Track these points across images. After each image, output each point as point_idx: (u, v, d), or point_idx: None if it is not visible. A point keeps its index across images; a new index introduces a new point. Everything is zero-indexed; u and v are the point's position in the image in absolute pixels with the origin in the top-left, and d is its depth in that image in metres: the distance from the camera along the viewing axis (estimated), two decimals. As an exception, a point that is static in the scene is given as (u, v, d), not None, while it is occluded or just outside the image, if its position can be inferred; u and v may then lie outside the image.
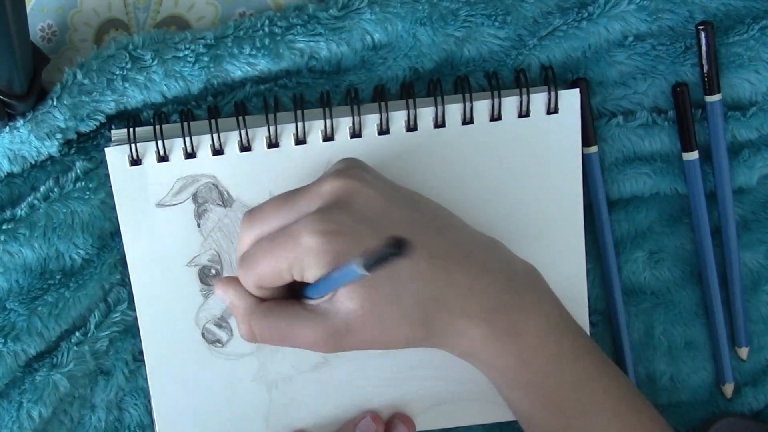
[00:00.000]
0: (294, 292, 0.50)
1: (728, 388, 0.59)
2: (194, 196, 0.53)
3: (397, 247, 0.36)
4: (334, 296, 0.47)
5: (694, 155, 0.56)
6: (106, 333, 0.55)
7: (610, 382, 0.51)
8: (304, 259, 0.46)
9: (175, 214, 0.53)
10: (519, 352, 0.49)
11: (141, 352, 0.55)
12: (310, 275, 0.46)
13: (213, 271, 0.54)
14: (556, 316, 0.51)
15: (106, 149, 0.52)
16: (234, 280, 0.50)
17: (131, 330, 0.56)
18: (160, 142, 0.52)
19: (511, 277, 0.50)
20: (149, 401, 0.56)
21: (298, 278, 0.47)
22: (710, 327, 0.58)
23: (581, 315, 0.56)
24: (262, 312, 0.49)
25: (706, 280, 0.58)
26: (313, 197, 0.48)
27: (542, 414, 0.50)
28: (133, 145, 0.52)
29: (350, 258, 0.41)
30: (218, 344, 0.55)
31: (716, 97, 0.55)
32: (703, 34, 0.55)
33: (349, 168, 0.49)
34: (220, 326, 0.54)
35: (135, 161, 0.52)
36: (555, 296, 0.51)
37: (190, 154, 0.53)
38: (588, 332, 0.57)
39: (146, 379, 0.55)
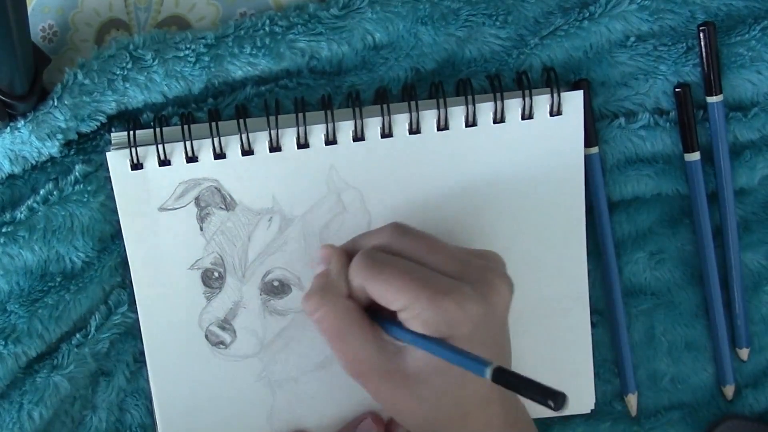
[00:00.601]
0: (370, 305, 0.50)
1: (729, 390, 0.59)
2: (197, 200, 0.53)
3: (559, 404, 0.38)
4: (407, 349, 0.47)
5: (695, 156, 0.56)
6: (107, 335, 0.55)
7: None
8: (428, 314, 0.45)
9: (177, 217, 0.53)
10: None
11: (142, 354, 0.55)
12: (415, 325, 0.46)
13: (216, 274, 0.54)
14: None
15: (108, 153, 0.52)
16: (343, 256, 0.50)
17: (132, 332, 0.55)
18: (160, 146, 0.52)
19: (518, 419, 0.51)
20: (150, 402, 0.56)
21: (401, 317, 0.47)
22: (711, 328, 0.59)
23: (582, 315, 0.56)
24: (343, 306, 0.48)
25: (707, 280, 0.58)
26: (473, 272, 0.47)
27: None
28: (133, 149, 0.52)
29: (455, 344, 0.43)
30: (221, 346, 0.55)
31: (718, 98, 0.55)
32: (704, 35, 0.55)
33: (508, 278, 0.48)
34: (223, 328, 0.54)
35: (136, 165, 0.52)
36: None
37: (192, 158, 0.53)
38: (588, 333, 0.57)
39: (147, 380, 0.55)
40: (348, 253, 0.50)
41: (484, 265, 0.48)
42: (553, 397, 0.38)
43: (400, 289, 0.46)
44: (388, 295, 0.46)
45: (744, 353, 0.59)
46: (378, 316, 0.49)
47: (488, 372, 0.41)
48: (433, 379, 0.47)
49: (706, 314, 0.59)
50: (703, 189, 0.56)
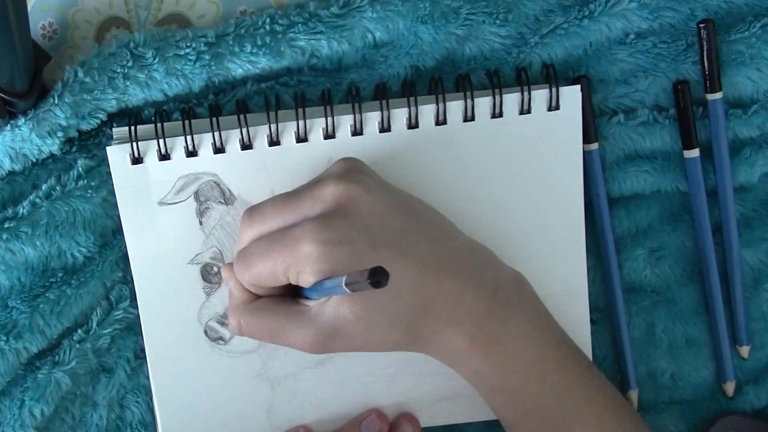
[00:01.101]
0: (289, 291, 0.51)
1: (729, 386, 0.59)
2: (196, 194, 0.53)
3: (376, 278, 0.38)
4: (327, 300, 0.48)
5: (695, 153, 0.56)
6: (108, 331, 0.55)
7: (595, 392, 0.51)
8: (302, 265, 0.46)
9: (177, 212, 0.53)
10: (501, 359, 0.50)
11: (143, 350, 0.55)
12: (305, 281, 0.47)
13: (215, 269, 0.54)
14: (542, 325, 0.51)
15: (108, 148, 0.52)
16: (232, 271, 0.51)
17: (133, 328, 0.56)
18: (161, 141, 0.52)
19: (498, 286, 0.50)
20: (151, 399, 0.56)
21: (293, 282, 0.48)
22: (711, 325, 0.58)
23: (582, 312, 0.56)
24: (253, 308, 0.50)
25: (707, 278, 0.58)
26: (315, 201, 0.48)
27: (525, 421, 0.51)
28: (134, 144, 0.52)
29: (345, 270, 0.43)
30: (221, 341, 0.55)
31: (717, 95, 0.55)
32: (704, 32, 0.55)
33: (351, 172, 0.49)
34: (222, 324, 0.55)
35: (136, 159, 0.52)
36: (541, 305, 0.52)
37: (192, 153, 0.53)
38: (588, 330, 0.57)
39: (148, 377, 0.56)
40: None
41: (318, 185, 0.49)
42: (373, 273, 0.38)
43: (270, 266, 0.47)
44: (269, 276, 0.48)
45: (744, 350, 0.59)
46: (294, 293, 0.50)
47: (344, 287, 0.41)
48: (369, 306, 0.47)
49: (706, 311, 0.59)
50: (702, 186, 0.56)
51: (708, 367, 0.59)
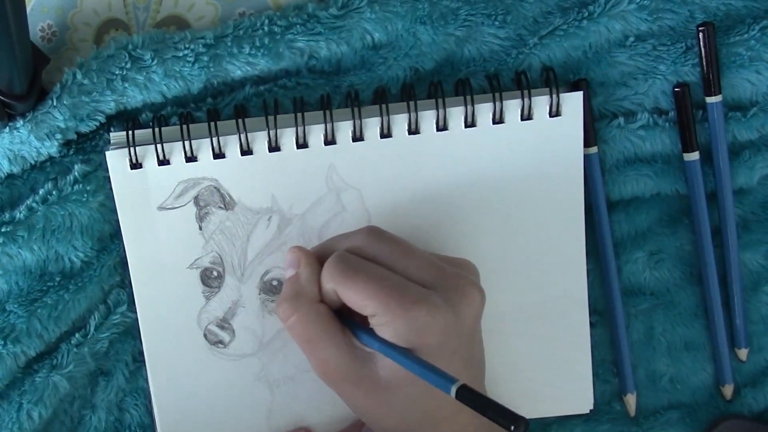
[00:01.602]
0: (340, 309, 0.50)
1: (728, 390, 0.59)
2: (196, 199, 0.53)
3: (515, 423, 0.38)
4: (378, 355, 0.47)
5: (694, 156, 0.56)
6: (106, 335, 0.55)
7: None
8: (399, 322, 0.45)
9: (176, 217, 0.53)
10: None
11: (141, 354, 0.55)
12: (387, 333, 0.46)
13: (215, 273, 0.54)
14: None
15: (107, 153, 0.52)
16: (312, 260, 0.50)
17: (131, 331, 0.55)
18: (159, 146, 0.52)
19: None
20: (149, 402, 0.56)
21: (372, 323, 0.47)
22: (710, 328, 0.58)
23: (581, 316, 0.56)
24: (315, 311, 0.48)
25: (706, 281, 0.58)
26: (445, 280, 0.47)
27: None
28: (132, 149, 0.52)
29: (425, 356, 0.44)
30: (220, 345, 0.55)
31: (717, 98, 0.55)
32: (703, 35, 0.55)
33: (480, 287, 0.48)
34: (222, 327, 0.54)
35: (135, 165, 0.52)
36: None
37: (191, 158, 0.53)
38: (588, 334, 0.57)
39: (146, 380, 0.55)
40: (318, 256, 0.50)
41: (456, 273, 0.48)
42: (514, 421, 0.38)
43: (371, 296, 0.46)
44: (359, 300, 0.46)
45: (743, 353, 0.59)
46: (350, 320, 0.49)
47: (453, 389, 0.41)
48: (402, 387, 0.47)
49: (705, 314, 0.59)
50: (702, 189, 0.56)
51: (707, 370, 0.59)
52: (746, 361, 0.59)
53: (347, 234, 0.51)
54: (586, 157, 0.55)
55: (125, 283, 0.55)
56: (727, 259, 0.58)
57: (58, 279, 0.54)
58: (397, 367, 0.46)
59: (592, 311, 0.57)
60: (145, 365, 0.55)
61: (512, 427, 0.38)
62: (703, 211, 0.57)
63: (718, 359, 0.58)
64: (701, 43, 0.55)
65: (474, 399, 0.40)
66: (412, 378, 0.46)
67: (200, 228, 0.54)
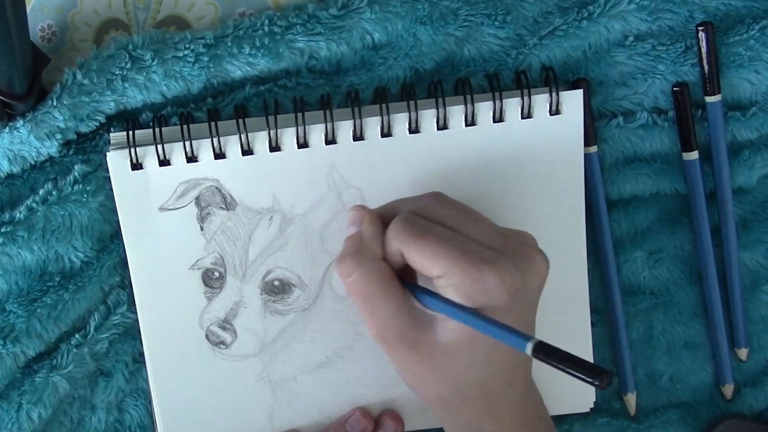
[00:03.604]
0: (402, 271, 0.49)
1: (728, 389, 0.59)
2: (197, 200, 0.53)
3: (603, 383, 0.37)
4: (438, 316, 0.47)
5: (694, 155, 0.56)
6: (106, 335, 0.55)
7: None
8: (466, 283, 0.45)
9: (177, 217, 0.53)
10: None
11: (141, 354, 0.55)
12: (452, 293, 0.45)
13: (216, 274, 0.54)
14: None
15: (108, 153, 0.52)
16: (376, 219, 0.49)
17: (131, 332, 0.55)
18: (160, 147, 0.52)
19: (542, 416, 0.51)
20: (149, 402, 0.56)
21: (437, 284, 0.46)
22: (710, 328, 0.59)
23: (583, 315, 0.56)
24: (377, 270, 0.47)
25: (706, 280, 0.58)
26: (522, 248, 0.47)
27: None
28: (133, 149, 0.52)
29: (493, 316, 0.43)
30: (222, 346, 0.55)
31: (716, 98, 0.55)
32: (703, 35, 0.55)
33: (544, 254, 0.48)
34: (224, 328, 0.54)
35: (136, 165, 0.52)
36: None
37: (192, 158, 0.52)
38: (589, 333, 0.57)
39: (146, 381, 0.55)
40: (380, 216, 0.49)
41: (521, 240, 0.48)
42: (598, 375, 0.37)
43: (439, 256, 0.45)
44: (427, 261, 0.45)
45: (743, 353, 0.59)
46: (410, 283, 0.48)
47: (529, 346, 0.40)
48: (462, 353, 0.46)
49: (704, 313, 0.59)
50: (701, 188, 0.57)
51: (707, 370, 0.59)
52: (747, 360, 0.59)
53: (412, 197, 0.50)
54: (586, 157, 0.55)
55: (125, 284, 0.55)
56: (726, 259, 0.58)
57: (57, 279, 0.54)
58: (458, 332, 0.46)
59: (592, 310, 0.57)
60: (144, 366, 0.55)
61: (596, 381, 0.37)
62: (702, 211, 0.57)
63: (718, 359, 0.59)
64: (701, 42, 0.55)
65: (553, 354, 0.39)
66: (472, 344, 0.46)
67: (201, 229, 0.54)
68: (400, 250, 0.47)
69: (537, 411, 0.51)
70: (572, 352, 0.56)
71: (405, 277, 0.48)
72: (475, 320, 0.44)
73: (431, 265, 0.45)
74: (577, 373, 0.38)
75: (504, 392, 0.48)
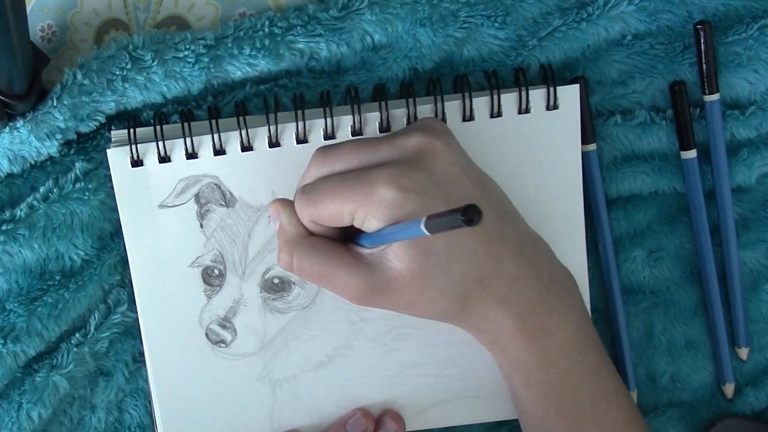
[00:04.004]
0: (343, 234, 0.50)
1: (729, 388, 0.59)
2: (197, 197, 0.53)
3: (469, 216, 0.36)
4: (384, 250, 0.47)
5: (692, 154, 0.56)
6: (106, 334, 0.55)
7: (624, 401, 0.52)
8: (373, 208, 0.45)
9: (177, 214, 0.53)
10: (546, 352, 0.49)
11: (141, 353, 0.55)
12: (371, 225, 0.46)
13: (216, 272, 0.54)
14: (585, 327, 0.51)
15: (108, 150, 0.52)
16: (289, 205, 0.50)
17: (131, 331, 0.55)
18: (160, 143, 0.52)
19: (552, 279, 0.50)
20: (149, 402, 0.56)
21: (357, 225, 0.47)
22: (710, 327, 0.58)
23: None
24: (308, 245, 0.49)
25: (706, 279, 0.58)
26: (396, 148, 0.47)
27: (555, 419, 0.51)
28: (133, 146, 0.52)
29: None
30: (222, 344, 0.55)
31: (715, 97, 0.55)
32: (701, 34, 0.55)
33: (436, 128, 0.48)
34: (223, 326, 0.54)
35: (136, 162, 0.52)
36: (585, 307, 0.52)
37: (192, 155, 0.53)
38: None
39: (146, 380, 0.55)
40: (289, 201, 0.50)
41: (405, 134, 0.48)
42: (464, 212, 0.36)
43: (338, 203, 0.46)
44: (334, 214, 0.47)
45: (743, 352, 0.59)
46: (347, 237, 0.49)
47: (422, 226, 0.39)
48: (426, 265, 0.46)
49: (705, 312, 0.59)
50: (700, 187, 0.57)
51: (707, 369, 0.59)
52: (747, 360, 0.59)
53: (305, 170, 0.50)
54: (584, 155, 0.55)
55: (125, 283, 0.55)
56: (726, 258, 0.58)
57: (58, 278, 0.54)
58: (407, 250, 0.46)
59: (592, 310, 0.57)
60: (144, 365, 0.55)
61: (463, 218, 0.36)
62: (701, 210, 0.57)
63: (719, 358, 0.58)
64: (699, 41, 0.55)
65: (439, 219, 0.38)
66: (428, 251, 0.46)
67: (201, 226, 0.54)
68: (311, 219, 0.48)
69: (557, 272, 0.51)
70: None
71: (341, 237, 0.49)
72: (392, 235, 0.45)
73: (339, 215, 0.47)
74: (455, 223, 0.37)
75: (499, 272, 0.48)
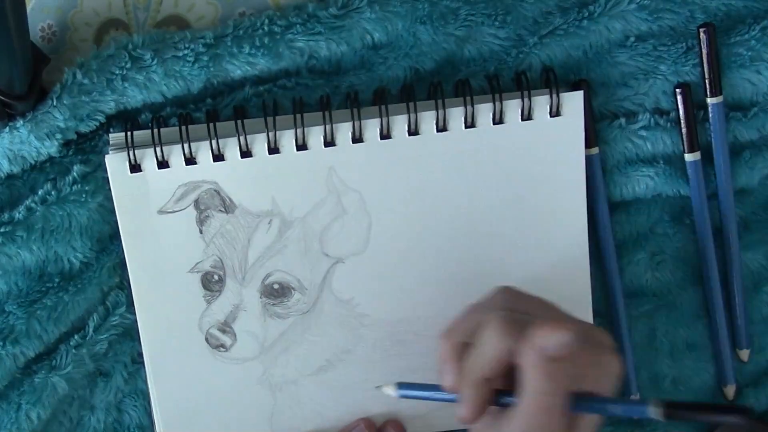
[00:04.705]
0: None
1: (730, 390, 0.58)
2: (196, 203, 0.53)
3: (740, 414, 0.37)
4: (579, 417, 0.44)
5: (696, 156, 0.56)
6: (105, 336, 0.55)
7: None
8: (606, 375, 0.44)
9: (177, 220, 0.53)
10: None
11: (140, 355, 0.55)
12: (603, 388, 0.44)
13: (216, 277, 0.54)
14: None
15: (107, 157, 0.52)
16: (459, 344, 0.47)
17: (130, 333, 0.55)
18: (158, 148, 0.52)
19: None
20: (148, 403, 0.56)
21: (590, 383, 0.44)
22: (711, 329, 0.58)
23: (585, 317, 0.56)
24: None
25: (708, 281, 0.58)
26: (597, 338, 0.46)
27: None
28: (131, 150, 0.52)
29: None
30: (222, 349, 0.54)
31: (718, 99, 0.55)
32: (704, 36, 0.55)
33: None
34: (223, 331, 0.54)
35: (135, 167, 0.52)
36: None
37: (190, 160, 0.52)
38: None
39: (145, 381, 0.55)
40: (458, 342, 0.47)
41: (593, 331, 0.47)
42: (736, 412, 0.37)
43: (560, 332, 0.42)
44: (551, 338, 0.42)
45: (744, 354, 0.58)
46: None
47: (655, 411, 0.40)
48: None
49: (707, 315, 0.58)
50: (703, 189, 0.56)
51: (709, 371, 0.59)
52: (748, 361, 0.59)
53: (483, 299, 0.48)
54: (587, 158, 0.55)
55: (124, 285, 0.55)
56: (728, 260, 0.58)
57: (57, 280, 0.54)
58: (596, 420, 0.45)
59: (594, 313, 0.57)
60: (143, 367, 0.55)
61: (738, 418, 0.37)
62: (704, 211, 0.57)
63: (720, 360, 0.58)
64: (702, 43, 0.55)
65: (681, 408, 0.39)
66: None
67: (201, 232, 0.53)
68: (509, 347, 0.43)
69: None
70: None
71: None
72: (609, 408, 0.43)
73: (574, 375, 0.43)
74: (716, 418, 0.38)
75: None
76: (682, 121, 0.56)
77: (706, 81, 0.55)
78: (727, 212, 0.57)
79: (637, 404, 0.42)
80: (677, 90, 0.55)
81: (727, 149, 0.56)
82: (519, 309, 0.46)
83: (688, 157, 0.56)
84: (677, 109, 0.56)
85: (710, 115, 0.56)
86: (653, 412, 0.40)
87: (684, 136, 0.56)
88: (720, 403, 0.38)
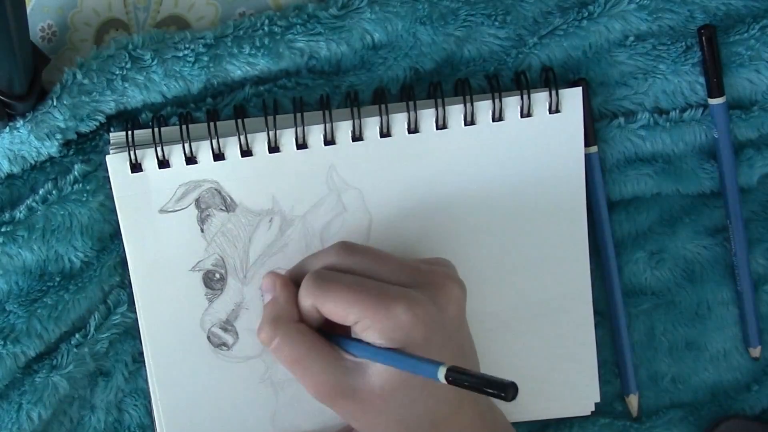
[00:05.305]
0: (328, 328, 0.49)
1: (755, 351, 0.59)
2: (197, 202, 0.53)
3: (509, 392, 0.38)
4: (368, 364, 0.47)
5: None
6: (106, 335, 0.55)
7: None
8: (382, 323, 0.45)
9: (178, 219, 0.53)
10: None
11: (141, 354, 0.55)
12: (370, 336, 0.46)
13: (217, 276, 0.54)
14: None
15: (108, 156, 0.52)
16: (289, 282, 0.50)
17: (131, 332, 0.55)
18: (159, 148, 0.52)
19: None
20: (149, 402, 0.56)
21: (357, 330, 0.47)
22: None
23: (586, 315, 0.56)
24: (296, 330, 0.49)
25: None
26: (419, 276, 0.48)
27: None
28: (132, 150, 0.52)
29: (412, 351, 0.44)
30: (224, 347, 0.55)
31: (720, 100, 0.55)
32: (705, 38, 0.54)
33: (457, 277, 0.49)
34: (225, 329, 0.54)
35: (135, 166, 0.52)
36: None
37: (191, 160, 0.52)
38: (593, 333, 0.57)
39: (146, 381, 0.55)
40: (291, 278, 0.50)
41: (432, 270, 0.49)
42: (503, 388, 0.38)
43: (349, 303, 0.46)
44: (339, 310, 0.46)
45: (756, 351, 0.58)
46: (333, 335, 0.49)
47: (440, 373, 0.41)
48: (398, 391, 0.46)
49: (706, 313, 0.58)
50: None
51: (708, 370, 0.59)
52: (759, 358, 0.59)
53: (318, 253, 0.51)
54: (587, 157, 0.55)
55: (125, 284, 0.55)
56: (735, 258, 0.57)
57: (58, 279, 0.54)
58: (389, 371, 0.46)
59: (594, 312, 0.57)
60: (144, 366, 0.55)
61: (503, 394, 0.38)
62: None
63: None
64: (703, 45, 0.55)
65: (463, 377, 0.40)
66: (405, 380, 0.46)
67: (202, 230, 0.54)
68: (314, 306, 0.48)
69: (495, 425, 0.50)
70: (576, 354, 0.56)
71: (329, 331, 0.49)
72: (392, 358, 0.45)
73: (345, 313, 0.46)
74: (487, 391, 0.39)
75: (452, 420, 0.48)
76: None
77: (708, 82, 0.55)
78: (732, 212, 0.57)
79: (428, 363, 0.43)
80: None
81: (732, 149, 0.56)
82: (345, 264, 0.48)
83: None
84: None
85: (713, 116, 0.56)
86: (441, 373, 0.41)
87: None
88: (497, 379, 0.38)
